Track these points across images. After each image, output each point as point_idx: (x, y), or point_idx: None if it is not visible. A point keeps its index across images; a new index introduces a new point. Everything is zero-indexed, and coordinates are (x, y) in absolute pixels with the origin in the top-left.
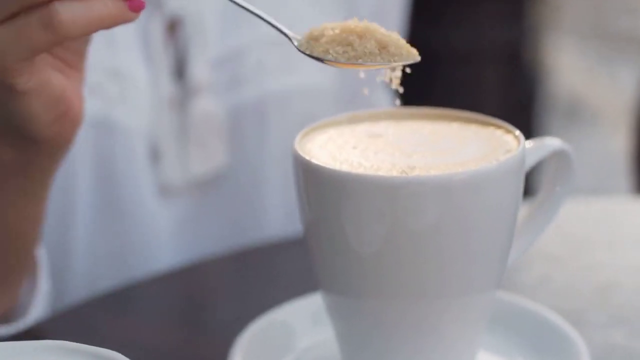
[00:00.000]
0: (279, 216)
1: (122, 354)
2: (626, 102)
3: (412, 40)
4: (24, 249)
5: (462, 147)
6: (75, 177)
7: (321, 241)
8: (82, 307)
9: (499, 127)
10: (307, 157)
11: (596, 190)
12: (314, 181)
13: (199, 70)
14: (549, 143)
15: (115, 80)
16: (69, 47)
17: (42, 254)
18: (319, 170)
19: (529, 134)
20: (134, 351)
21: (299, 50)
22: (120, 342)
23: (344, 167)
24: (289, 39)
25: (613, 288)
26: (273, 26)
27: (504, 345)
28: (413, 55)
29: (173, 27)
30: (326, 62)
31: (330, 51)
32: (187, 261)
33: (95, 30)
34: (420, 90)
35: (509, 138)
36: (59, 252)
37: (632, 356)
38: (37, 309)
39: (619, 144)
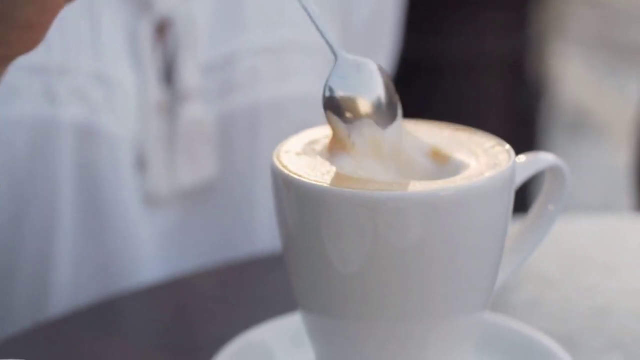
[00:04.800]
0: (269, 229)
1: None
2: (633, 115)
3: (413, 49)
4: None
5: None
6: (58, 185)
7: (300, 258)
8: (61, 322)
9: (488, 140)
10: (284, 169)
11: (602, 206)
12: (291, 195)
13: (189, 75)
14: (542, 158)
15: (100, 85)
16: None
17: None
18: (296, 183)
19: (531, 146)
20: None
21: None
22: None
23: (324, 179)
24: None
25: (609, 311)
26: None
27: None
28: None
29: (162, 29)
30: None
31: None
32: (172, 274)
33: None
34: (421, 99)
35: (498, 152)
36: (42, 262)
37: None
38: None
39: (626, 158)
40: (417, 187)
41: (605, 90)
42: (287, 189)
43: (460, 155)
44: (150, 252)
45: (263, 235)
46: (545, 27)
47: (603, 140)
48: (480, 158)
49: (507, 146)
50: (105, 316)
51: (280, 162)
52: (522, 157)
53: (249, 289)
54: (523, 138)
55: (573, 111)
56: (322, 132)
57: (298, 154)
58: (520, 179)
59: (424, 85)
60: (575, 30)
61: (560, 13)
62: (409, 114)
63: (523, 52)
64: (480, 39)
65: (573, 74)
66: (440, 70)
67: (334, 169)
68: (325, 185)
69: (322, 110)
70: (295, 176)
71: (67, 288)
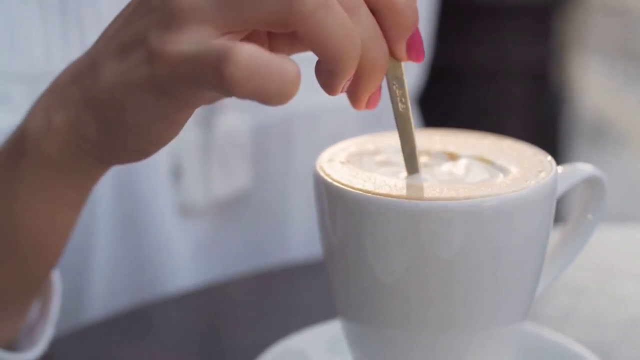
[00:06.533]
0: (303, 238)
1: None
2: None
3: (437, 56)
4: (46, 264)
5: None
6: (95, 194)
7: (342, 266)
8: (96, 328)
9: (530, 149)
10: (328, 178)
11: (624, 216)
12: (334, 203)
13: None
14: (581, 168)
15: None
16: None
17: (57, 277)
18: (339, 192)
19: (554, 155)
20: None
21: None
22: None
23: (367, 187)
24: None
25: None
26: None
27: None
28: None
29: None
30: None
31: None
32: (206, 283)
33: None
34: (445, 106)
35: (540, 162)
36: (78, 271)
37: None
38: (46, 338)
39: None
40: (460, 196)
41: (626, 99)
42: (330, 198)
43: (503, 162)
44: (184, 261)
45: (297, 244)
46: (568, 36)
47: (624, 149)
48: (523, 166)
49: (549, 157)
50: (139, 322)
51: (324, 171)
52: (561, 168)
53: (281, 296)
54: (545, 146)
55: (594, 119)
56: (364, 141)
57: (342, 162)
58: (561, 189)
59: (447, 93)
60: (597, 40)
61: (582, 22)
62: (433, 120)
63: (546, 61)
64: (504, 48)
65: (595, 82)
66: (464, 78)
67: (377, 177)
68: (368, 194)
69: (355, 120)
70: (338, 185)
71: (102, 296)
